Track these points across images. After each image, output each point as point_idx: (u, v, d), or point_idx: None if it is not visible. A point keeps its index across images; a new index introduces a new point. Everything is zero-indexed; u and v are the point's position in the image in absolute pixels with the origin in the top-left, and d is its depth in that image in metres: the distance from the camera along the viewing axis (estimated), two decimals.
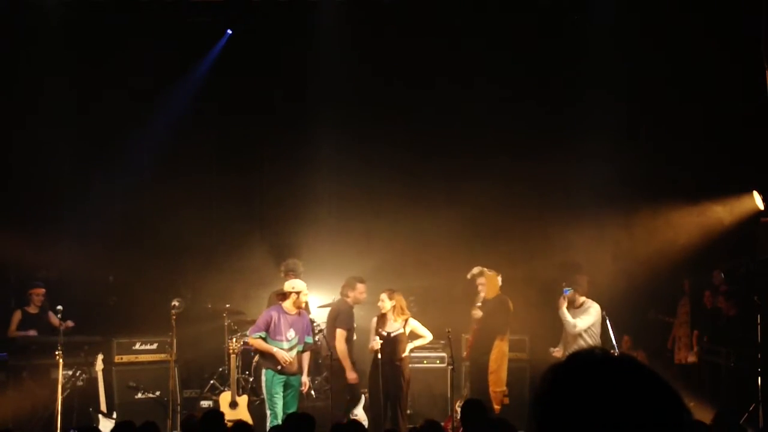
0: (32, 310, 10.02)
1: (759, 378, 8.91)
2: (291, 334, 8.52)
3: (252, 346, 8.78)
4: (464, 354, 9.52)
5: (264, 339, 8.51)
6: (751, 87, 9.39)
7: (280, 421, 8.18)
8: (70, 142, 11.07)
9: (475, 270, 9.41)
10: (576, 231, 10.60)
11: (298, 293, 8.56)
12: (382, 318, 8.91)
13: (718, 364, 9.68)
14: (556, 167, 11.09)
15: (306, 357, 8.75)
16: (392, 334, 8.81)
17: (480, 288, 9.39)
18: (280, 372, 8.45)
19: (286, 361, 8.39)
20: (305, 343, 8.68)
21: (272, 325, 8.50)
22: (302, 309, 8.69)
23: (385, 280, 10.03)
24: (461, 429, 6.94)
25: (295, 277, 10.45)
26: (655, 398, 1.41)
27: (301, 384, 8.60)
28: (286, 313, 8.56)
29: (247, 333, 8.97)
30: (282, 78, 11.97)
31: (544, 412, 1.45)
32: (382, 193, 11.53)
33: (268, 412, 8.44)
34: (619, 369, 1.44)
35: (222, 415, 6.53)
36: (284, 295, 8.67)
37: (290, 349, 8.50)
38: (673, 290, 10.85)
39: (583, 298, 8.99)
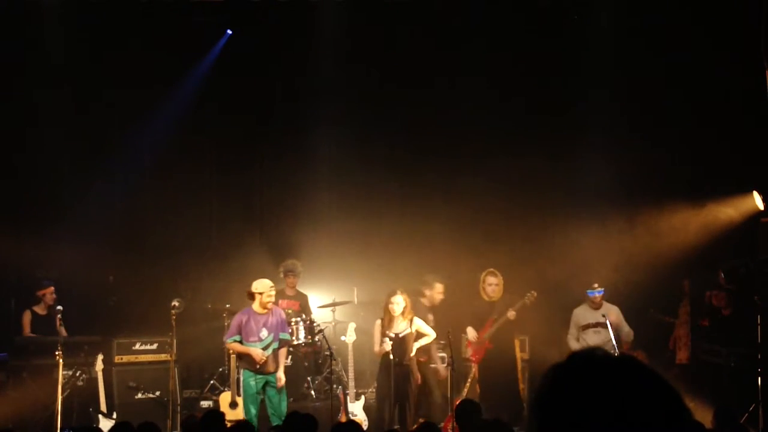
0: (41, 310, 9.99)
1: (759, 378, 8.91)
2: (264, 333, 8.67)
3: (230, 350, 8.91)
4: (473, 356, 9.47)
5: (240, 342, 8.67)
6: (751, 87, 9.39)
7: (255, 424, 8.27)
8: (70, 142, 11.07)
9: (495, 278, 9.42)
10: (576, 231, 10.59)
11: (261, 294, 8.67)
12: (390, 319, 8.87)
13: (718, 364, 9.68)
14: (557, 167, 11.09)
15: (282, 353, 8.86)
16: (400, 335, 8.80)
17: (493, 288, 9.41)
18: (259, 371, 8.58)
19: (261, 358, 8.54)
20: (280, 340, 8.79)
21: (243, 326, 8.64)
22: (270, 308, 8.77)
23: (384, 280, 10.03)
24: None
25: (295, 277, 10.50)
26: (656, 398, 1.41)
27: (277, 380, 8.70)
28: (256, 313, 8.70)
29: (224, 339, 9.04)
30: (282, 78, 11.97)
31: (545, 412, 1.45)
32: (381, 193, 11.52)
33: (242, 411, 8.53)
34: (619, 368, 1.44)
35: (222, 415, 6.53)
36: (252, 296, 8.74)
37: (265, 348, 8.65)
38: (673, 290, 10.83)
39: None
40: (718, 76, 10.01)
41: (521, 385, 9.34)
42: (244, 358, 8.68)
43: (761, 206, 9.50)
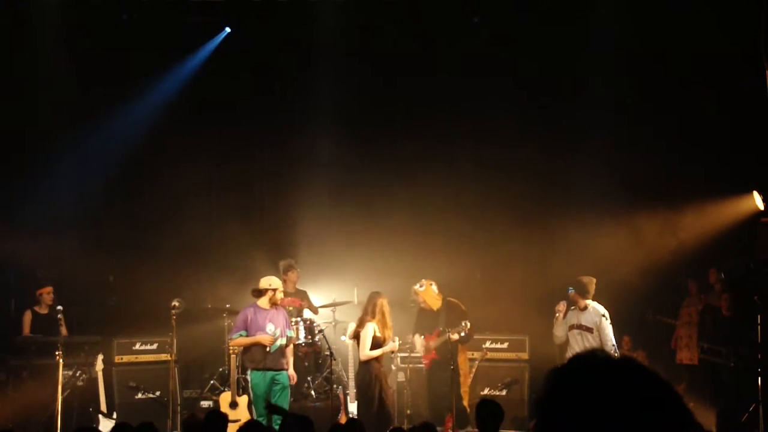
0: (42, 310, 9.97)
1: (759, 378, 8.92)
2: (271, 327, 8.61)
3: (236, 347, 8.71)
4: (424, 359, 9.44)
5: (245, 337, 8.61)
6: (751, 87, 9.39)
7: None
8: (69, 141, 11.06)
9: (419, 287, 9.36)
10: (577, 231, 10.60)
11: (274, 290, 8.64)
12: (385, 322, 8.88)
13: (718, 364, 9.69)
14: (558, 166, 11.10)
15: (290, 351, 8.82)
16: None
17: (423, 303, 9.33)
18: (265, 368, 8.49)
19: (271, 340, 8.47)
20: (288, 337, 8.76)
21: (249, 322, 8.58)
22: (277, 304, 8.75)
23: (385, 279, 10.02)
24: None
25: (296, 273, 10.47)
26: (659, 400, 1.40)
27: (289, 379, 8.65)
28: (261, 309, 8.64)
29: (228, 338, 8.91)
30: (282, 77, 11.96)
31: (548, 415, 1.45)
32: (381, 193, 11.49)
33: (255, 414, 8.47)
34: (621, 371, 1.44)
35: (225, 416, 6.50)
36: (260, 292, 8.71)
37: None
38: (673, 290, 10.85)
39: (587, 301, 8.86)
40: (718, 75, 10.02)
41: (464, 389, 9.29)
42: (250, 355, 8.58)
43: (761, 206, 9.51)
